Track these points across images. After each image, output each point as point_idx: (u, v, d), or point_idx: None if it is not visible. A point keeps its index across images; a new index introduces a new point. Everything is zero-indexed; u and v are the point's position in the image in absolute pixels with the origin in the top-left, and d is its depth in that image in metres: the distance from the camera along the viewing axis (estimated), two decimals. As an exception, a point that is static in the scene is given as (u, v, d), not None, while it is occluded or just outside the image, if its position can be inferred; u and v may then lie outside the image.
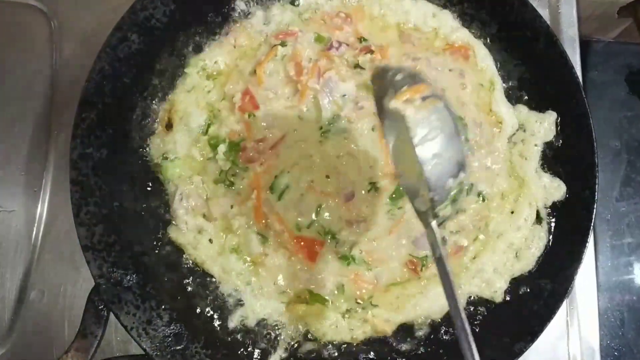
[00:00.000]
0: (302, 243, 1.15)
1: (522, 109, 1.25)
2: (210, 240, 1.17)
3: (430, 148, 0.82)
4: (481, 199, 1.20)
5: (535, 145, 1.22)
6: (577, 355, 1.31)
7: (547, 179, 1.21)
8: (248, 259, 1.17)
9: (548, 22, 1.22)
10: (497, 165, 1.22)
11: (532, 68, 1.24)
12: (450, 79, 1.23)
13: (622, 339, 1.48)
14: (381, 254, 1.16)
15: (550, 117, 1.22)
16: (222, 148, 1.18)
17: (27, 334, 1.28)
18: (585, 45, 1.49)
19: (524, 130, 1.23)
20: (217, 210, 1.17)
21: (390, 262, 1.16)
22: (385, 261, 1.16)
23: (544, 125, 1.22)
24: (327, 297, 1.14)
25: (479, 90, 1.26)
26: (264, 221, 1.16)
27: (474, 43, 1.27)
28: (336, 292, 1.15)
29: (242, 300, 1.16)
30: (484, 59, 1.27)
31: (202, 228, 1.17)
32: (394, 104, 0.85)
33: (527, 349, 1.08)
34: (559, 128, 1.22)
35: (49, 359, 1.25)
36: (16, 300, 1.30)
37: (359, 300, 1.15)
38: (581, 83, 1.18)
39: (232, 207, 1.16)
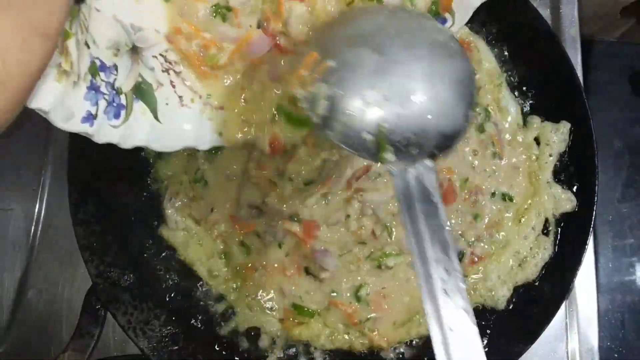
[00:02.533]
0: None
1: (535, 119, 1.22)
2: (200, 243, 1.16)
3: (324, 107, 0.69)
4: (503, 198, 1.19)
5: (550, 155, 1.20)
6: (577, 356, 1.31)
7: (558, 189, 1.19)
8: (236, 266, 1.15)
9: (549, 22, 1.21)
10: (510, 162, 1.21)
11: (533, 69, 1.22)
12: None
13: (622, 340, 1.47)
14: (390, 297, 1.14)
15: (565, 127, 1.18)
16: None
17: (24, 333, 1.28)
18: (587, 45, 1.47)
19: (539, 141, 1.21)
20: (198, 212, 1.16)
21: (402, 298, 1.14)
22: (394, 302, 1.14)
23: (558, 135, 1.19)
24: (319, 313, 1.13)
25: (487, 83, 1.23)
26: (240, 231, 1.14)
27: (475, 39, 1.25)
28: (321, 312, 1.14)
29: (233, 307, 1.16)
30: (486, 53, 1.25)
31: (191, 229, 1.16)
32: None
33: (525, 351, 1.07)
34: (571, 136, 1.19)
35: (47, 358, 1.25)
36: (14, 299, 1.30)
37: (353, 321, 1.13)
38: (582, 85, 1.16)
39: (212, 210, 1.15)
